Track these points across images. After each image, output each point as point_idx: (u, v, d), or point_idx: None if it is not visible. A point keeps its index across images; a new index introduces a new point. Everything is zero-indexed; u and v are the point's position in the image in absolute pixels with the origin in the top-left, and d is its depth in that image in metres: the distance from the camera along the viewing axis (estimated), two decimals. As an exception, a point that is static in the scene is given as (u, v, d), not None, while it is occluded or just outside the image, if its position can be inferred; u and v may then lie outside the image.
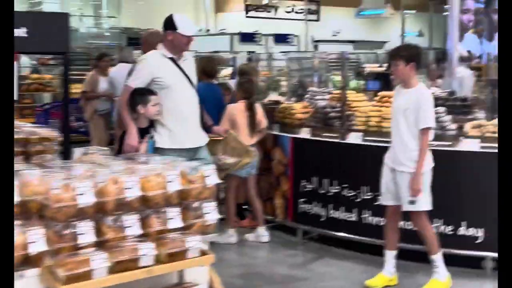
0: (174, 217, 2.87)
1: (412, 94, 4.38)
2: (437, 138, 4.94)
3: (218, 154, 5.01)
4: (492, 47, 13.43)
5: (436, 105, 5.36)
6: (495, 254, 4.72)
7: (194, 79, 4.52)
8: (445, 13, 13.21)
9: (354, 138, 5.38)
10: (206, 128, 4.69)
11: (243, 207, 6.07)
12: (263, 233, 5.59)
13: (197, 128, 4.53)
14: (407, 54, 4.36)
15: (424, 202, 4.38)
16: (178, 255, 2.81)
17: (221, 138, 5.04)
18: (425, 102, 4.33)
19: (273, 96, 7.19)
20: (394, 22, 17.29)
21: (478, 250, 4.77)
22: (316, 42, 17.14)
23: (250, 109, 5.51)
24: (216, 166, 5.26)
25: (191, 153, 4.37)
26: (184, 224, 2.91)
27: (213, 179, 3.07)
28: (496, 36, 13.74)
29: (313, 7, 15.98)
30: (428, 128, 4.31)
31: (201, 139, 4.56)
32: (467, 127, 5.08)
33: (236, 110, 5.48)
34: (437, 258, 4.42)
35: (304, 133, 5.74)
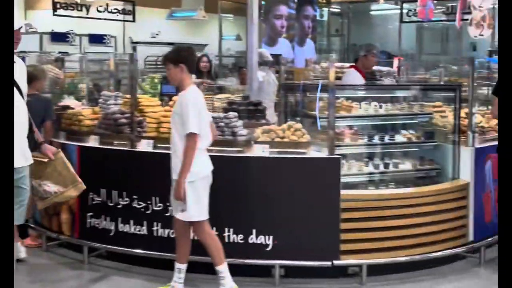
0: None
1: (180, 98, 4.22)
2: (228, 143, 4.83)
3: (40, 179, 4.33)
4: (303, 52, 13.90)
5: (229, 110, 5.28)
6: (284, 262, 4.68)
7: (24, 86, 3.87)
8: (261, 18, 13.45)
9: (144, 145, 5.07)
10: (34, 146, 4.01)
11: (27, 225, 5.47)
12: (19, 250, 5.03)
13: (21, 145, 3.86)
14: (175, 56, 4.25)
15: (197, 212, 4.18)
16: None
17: (46, 160, 4.40)
18: (186, 106, 4.12)
19: (66, 101, 6.61)
20: (214, 25, 17.32)
21: (267, 258, 4.67)
22: (135, 43, 16.59)
23: None
24: (36, 192, 4.61)
25: None
26: None
27: None
28: (307, 41, 14.30)
29: (129, 7, 15.38)
30: (192, 134, 4.10)
31: (22, 159, 3.89)
32: (257, 132, 5.00)
33: None
34: (223, 269, 4.26)
35: (92, 141, 5.31)
